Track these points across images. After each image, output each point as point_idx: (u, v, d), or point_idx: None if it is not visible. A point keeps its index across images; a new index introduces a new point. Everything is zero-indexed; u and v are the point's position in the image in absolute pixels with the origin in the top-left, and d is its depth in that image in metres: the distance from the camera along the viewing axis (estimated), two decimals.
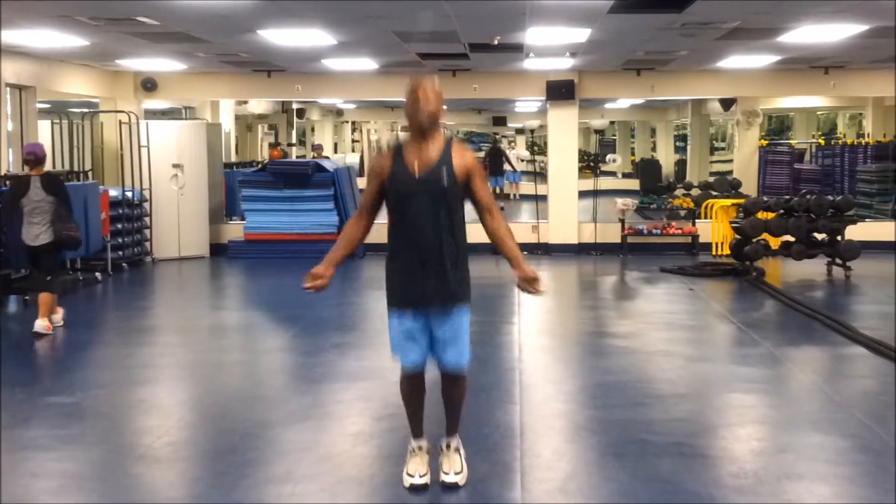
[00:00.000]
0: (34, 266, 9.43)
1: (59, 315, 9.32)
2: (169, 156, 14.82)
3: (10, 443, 5.83)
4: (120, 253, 13.53)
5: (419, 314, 4.72)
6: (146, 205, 14.57)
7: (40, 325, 8.94)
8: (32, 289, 9.45)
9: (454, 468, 4.88)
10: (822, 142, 21.33)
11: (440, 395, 4.96)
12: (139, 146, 14.56)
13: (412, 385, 4.88)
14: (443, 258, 4.66)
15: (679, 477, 5.10)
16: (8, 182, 10.21)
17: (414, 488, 4.79)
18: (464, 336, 4.80)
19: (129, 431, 6.28)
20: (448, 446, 4.95)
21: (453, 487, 4.80)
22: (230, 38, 11.67)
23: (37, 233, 9.01)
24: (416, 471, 4.85)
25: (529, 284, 4.72)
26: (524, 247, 15.43)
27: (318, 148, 20.43)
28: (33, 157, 9.08)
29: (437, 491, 4.82)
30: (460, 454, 4.96)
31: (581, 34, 11.26)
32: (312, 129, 30.20)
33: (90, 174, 14.49)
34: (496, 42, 11.80)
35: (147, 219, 14.63)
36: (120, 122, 14.63)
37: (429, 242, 4.64)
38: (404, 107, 4.67)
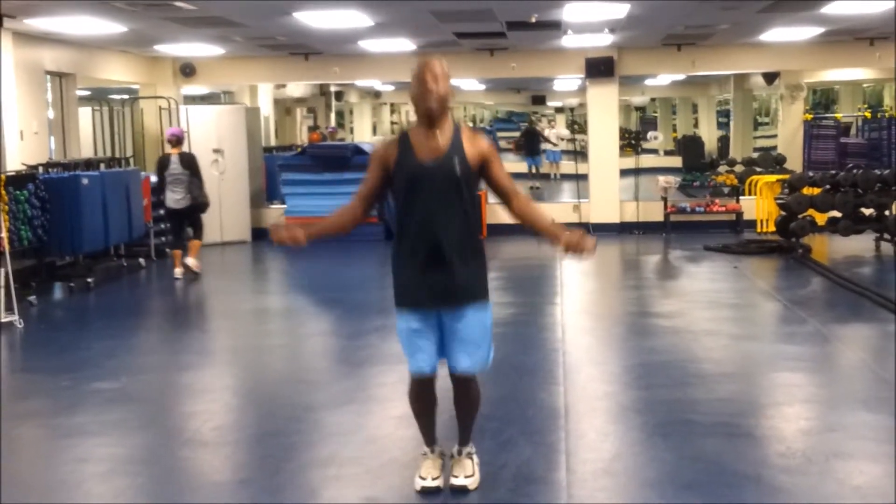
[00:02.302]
0: (174, 225, 11.80)
1: (194, 262, 11.53)
2: (209, 141, 14.88)
3: (56, 429, 5.90)
4: (163, 238, 13.60)
5: (429, 313, 4.38)
6: None
7: (191, 262, 11.49)
8: (174, 247, 11.86)
9: (465, 472, 4.59)
10: (869, 115, 20.95)
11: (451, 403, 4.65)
12: None
13: (422, 391, 4.54)
14: (454, 252, 4.31)
15: (726, 457, 5.03)
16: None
17: (425, 491, 4.53)
18: (478, 336, 4.42)
19: (175, 416, 6.33)
20: (460, 453, 4.66)
21: (462, 490, 4.53)
22: (267, 22, 11.67)
23: (177, 198, 11.39)
24: (429, 474, 4.58)
25: (578, 245, 4.26)
26: (565, 226, 15.35)
27: (332, 131, 20.28)
28: (174, 139, 11.57)
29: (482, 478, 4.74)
30: (473, 460, 4.67)
31: (620, 9, 11.12)
32: (351, 112, 30.22)
33: (131, 160, 14.59)
34: (533, 20, 11.69)
35: None
36: (160, 108, 14.72)
37: (439, 236, 4.30)
38: (410, 90, 4.32)
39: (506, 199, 4.48)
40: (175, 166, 11.35)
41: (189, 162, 11.48)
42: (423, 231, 4.33)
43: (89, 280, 10.95)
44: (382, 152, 4.45)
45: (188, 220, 11.66)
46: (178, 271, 11.45)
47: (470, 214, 4.38)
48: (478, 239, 4.50)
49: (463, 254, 4.35)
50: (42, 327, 9.20)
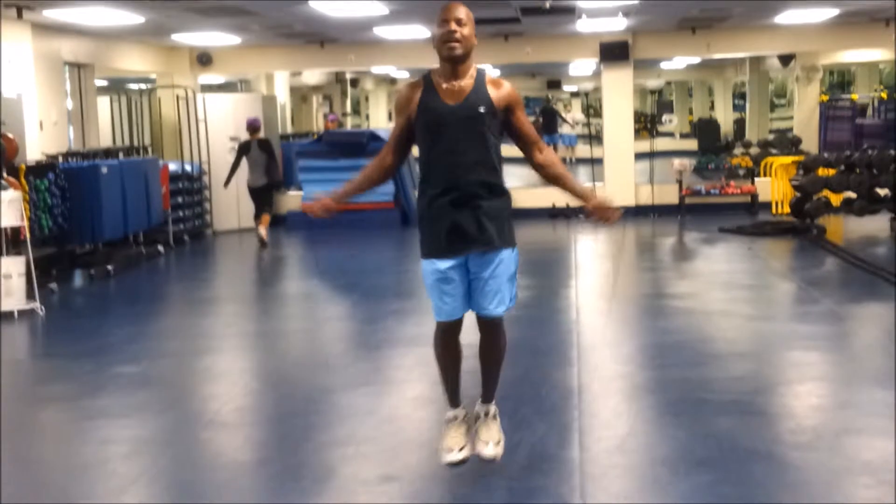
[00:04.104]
0: (255, 200, 13.29)
1: (264, 231, 13.05)
2: (226, 129, 14.99)
3: (80, 411, 6.03)
4: (181, 226, 13.76)
5: (457, 259, 4.28)
6: (205, 178, 14.77)
7: (262, 231, 13.00)
8: (256, 218, 13.29)
9: (493, 438, 4.50)
10: (885, 95, 20.84)
11: (475, 362, 4.59)
12: (196, 120, 14.74)
13: (449, 339, 4.43)
14: (481, 195, 4.22)
15: (737, 433, 5.10)
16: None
17: (452, 465, 4.46)
18: (507, 281, 4.32)
19: (196, 398, 6.45)
20: (486, 413, 4.57)
21: (492, 461, 4.50)
22: (283, 10, 11.75)
23: (256, 178, 13.10)
24: (455, 444, 4.46)
25: (605, 211, 4.32)
26: (582, 210, 15.40)
27: (333, 119, 19.82)
28: (252, 127, 13.22)
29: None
30: (497, 423, 4.58)
31: None
32: (367, 99, 30.27)
33: (150, 149, 14.71)
34: (548, 5, 11.71)
35: (206, 192, 14.84)
36: (177, 97, 14.81)
37: (465, 177, 4.20)
38: (433, 35, 4.25)
39: (528, 148, 4.39)
40: (254, 151, 13.05)
41: (266, 147, 13.15)
42: (448, 173, 4.24)
43: (109, 267, 11.08)
44: (407, 94, 4.36)
45: (265, 195, 13.23)
46: (261, 231, 13.03)
47: (495, 156, 4.28)
48: (503, 182, 4.35)
49: (490, 196, 4.26)
50: (63, 314, 9.34)
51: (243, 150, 13.20)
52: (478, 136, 4.24)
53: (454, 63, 4.25)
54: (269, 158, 13.12)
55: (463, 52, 4.22)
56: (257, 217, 13.25)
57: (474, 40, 4.27)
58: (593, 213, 4.36)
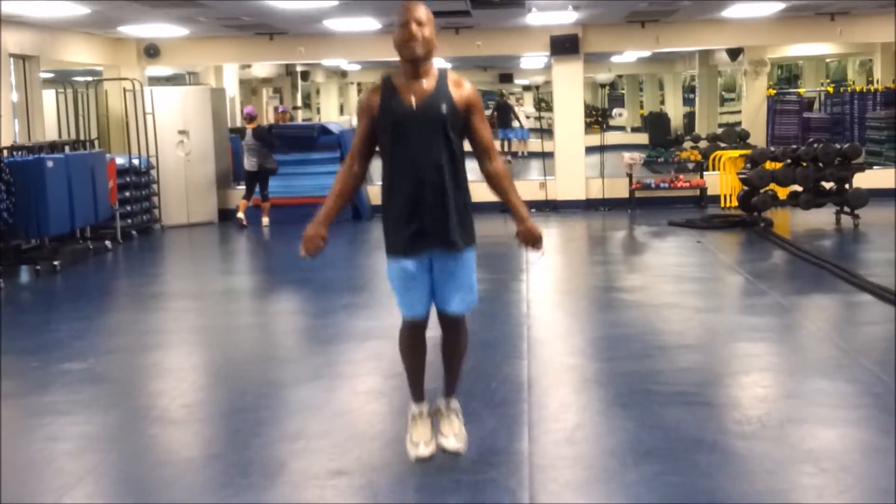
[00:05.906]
0: (247, 182, 14.47)
1: (266, 219, 14.35)
2: (174, 122, 14.86)
3: (27, 409, 5.95)
4: (129, 221, 13.60)
5: (421, 258, 4.35)
6: (153, 172, 14.63)
7: (265, 220, 14.30)
8: (245, 198, 14.51)
9: (454, 430, 4.55)
10: (831, 89, 21.17)
11: (438, 356, 4.65)
12: (144, 113, 14.59)
13: (414, 337, 4.51)
14: (444, 195, 4.26)
15: (684, 424, 5.17)
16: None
17: (420, 460, 4.49)
18: (468, 279, 4.46)
19: (144, 394, 6.39)
20: (448, 407, 4.61)
21: (455, 454, 4.53)
22: (231, 2, 11.64)
23: (250, 163, 14.21)
24: (421, 438, 4.52)
25: (532, 240, 4.44)
26: (532, 204, 15.48)
27: (283, 111, 18.84)
28: (248, 117, 14.46)
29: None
30: (459, 417, 4.62)
31: None
32: (318, 92, 30.13)
33: (96, 143, 14.54)
34: None
35: (155, 186, 14.70)
36: (124, 90, 14.65)
37: (428, 178, 4.23)
38: (394, 37, 4.25)
39: (481, 154, 4.40)
40: (249, 138, 14.14)
41: (260, 135, 14.16)
42: (411, 174, 4.27)
43: (55, 263, 10.94)
44: (367, 100, 4.37)
45: (259, 180, 14.29)
46: (240, 216, 14.22)
47: (457, 157, 4.31)
48: (465, 182, 4.39)
49: (453, 196, 4.30)
50: (9, 310, 9.19)
51: (241, 136, 14.66)
52: (440, 137, 4.26)
53: (415, 64, 4.26)
54: (262, 145, 14.12)
55: (424, 52, 4.23)
56: (245, 197, 14.44)
57: (435, 41, 4.27)
58: (519, 237, 4.49)
